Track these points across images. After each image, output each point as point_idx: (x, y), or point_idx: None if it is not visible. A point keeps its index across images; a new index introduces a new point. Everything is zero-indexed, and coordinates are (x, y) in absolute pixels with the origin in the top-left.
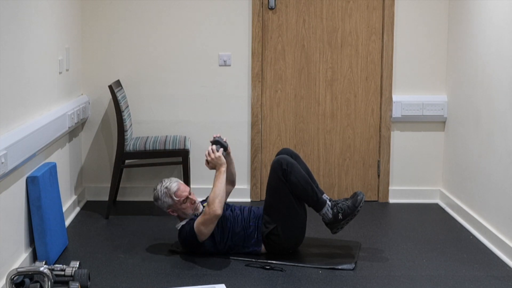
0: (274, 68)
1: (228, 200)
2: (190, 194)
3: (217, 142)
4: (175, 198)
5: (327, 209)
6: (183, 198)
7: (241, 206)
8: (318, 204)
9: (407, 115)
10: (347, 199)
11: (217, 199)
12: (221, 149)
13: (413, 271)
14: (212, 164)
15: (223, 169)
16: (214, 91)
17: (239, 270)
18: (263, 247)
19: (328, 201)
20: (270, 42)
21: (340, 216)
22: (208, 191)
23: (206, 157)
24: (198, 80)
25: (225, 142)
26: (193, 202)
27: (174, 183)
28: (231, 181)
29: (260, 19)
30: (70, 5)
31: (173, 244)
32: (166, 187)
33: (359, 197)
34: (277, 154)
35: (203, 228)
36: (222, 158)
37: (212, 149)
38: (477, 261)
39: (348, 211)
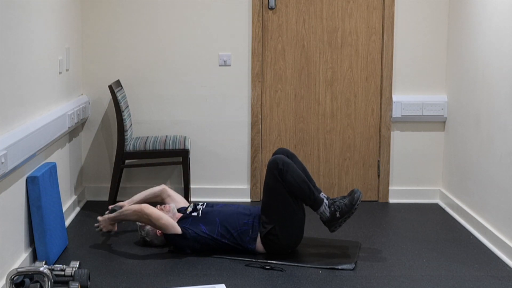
0: (274, 68)
1: (228, 200)
2: None
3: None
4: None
5: (325, 208)
6: None
7: (234, 205)
8: (316, 203)
9: (407, 115)
10: (344, 197)
11: (138, 212)
12: (99, 217)
13: (413, 271)
14: (108, 227)
15: (114, 216)
16: (214, 91)
17: (239, 270)
18: (258, 245)
19: (325, 200)
20: (270, 42)
21: (337, 214)
22: (209, 190)
23: (100, 231)
24: (198, 80)
25: (112, 208)
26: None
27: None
28: (156, 194)
29: (260, 19)
30: (70, 5)
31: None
32: (137, 225)
33: (356, 195)
34: (273, 154)
35: (160, 223)
36: (102, 218)
37: (95, 225)
38: (477, 261)
39: (346, 209)
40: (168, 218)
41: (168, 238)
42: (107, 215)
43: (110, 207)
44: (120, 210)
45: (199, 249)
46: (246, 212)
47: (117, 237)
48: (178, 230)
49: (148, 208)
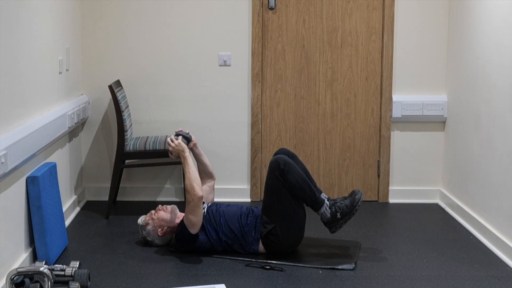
0: (274, 68)
1: (228, 200)
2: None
3: (178, 134)
4: (147, 219)
5: (325, 209)
6: (152, 214)
7: (237, 205)
8: (316, 203)
9: (407, 115)
10: (345, 198)
11: (194, 183)
12: (180, 137)
13: (413, 271)
14: (175, 153)
15: (186, 154)
16: (214, 91)
17: (239, 270)
18: (261, 246)
19: (326, 200)
20: (270, 42)
21: (338, 215)
22: None
23: (168, 147)
24: (198, 80)
25: (188, 134)
26: (161, 207)
27: (139, 220)
28: (208, 173)
29: (260, 19)
30: (70, 5)
31: (173, 245)
32: (138, 224)
33: (357, 196)
34: (275, 154)
35: (191, 217)
36: (182, 143)
37: (171, 139)
38: (477, 261)
39: (347, 210)
40: (201, 220)
41: (180, 227)
42: (184, 145)
43: (188, 131)
44: (191, 166)
45: (200, 251)
46: (249, 213)
47: (117, 237)
48: (195, 231)
49: (200, 200)
